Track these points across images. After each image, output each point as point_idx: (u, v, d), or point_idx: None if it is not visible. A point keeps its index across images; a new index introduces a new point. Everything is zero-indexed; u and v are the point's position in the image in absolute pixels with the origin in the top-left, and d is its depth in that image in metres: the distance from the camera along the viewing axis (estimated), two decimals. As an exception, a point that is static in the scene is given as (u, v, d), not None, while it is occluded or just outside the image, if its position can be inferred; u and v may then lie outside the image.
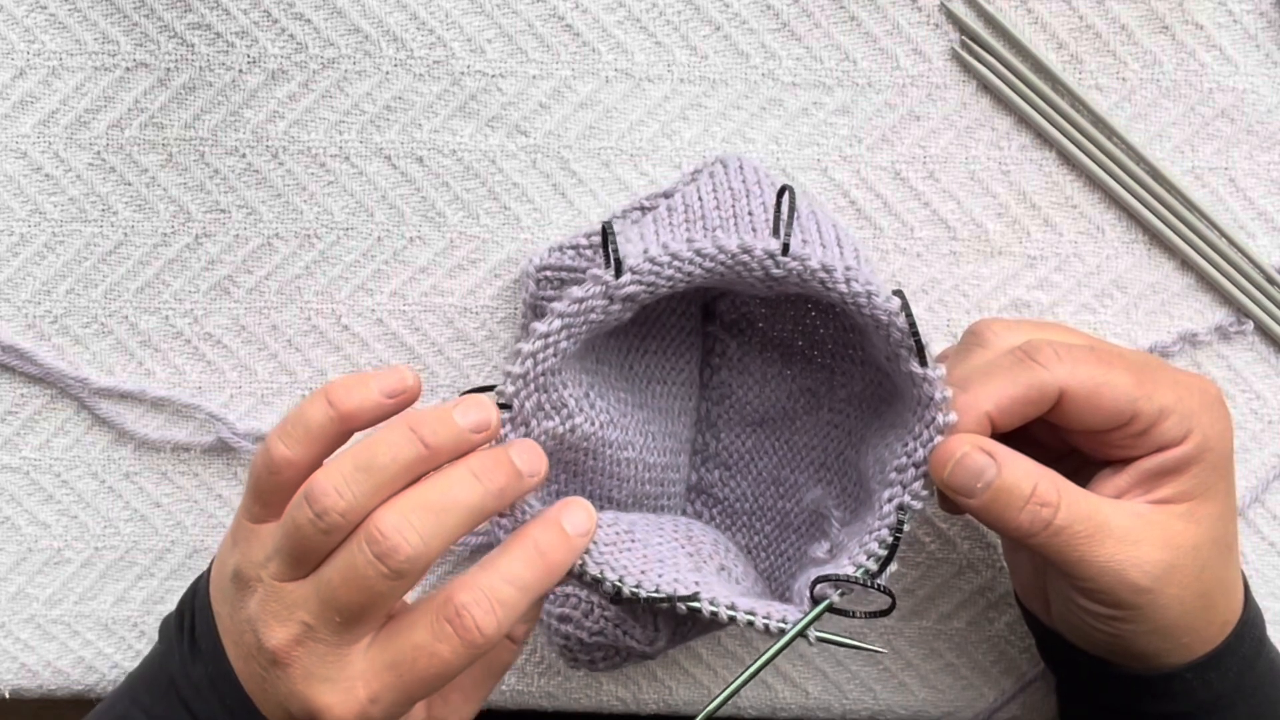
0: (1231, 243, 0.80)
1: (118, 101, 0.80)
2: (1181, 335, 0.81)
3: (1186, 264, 0.81)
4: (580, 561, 0.65)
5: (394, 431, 0.61)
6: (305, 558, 0.61)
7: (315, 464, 0.63)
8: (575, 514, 0.64)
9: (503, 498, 0.62)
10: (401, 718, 0.63)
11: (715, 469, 0.78)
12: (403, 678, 0.61)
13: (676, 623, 0.70)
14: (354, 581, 0.59)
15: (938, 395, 0.64)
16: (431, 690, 0.62)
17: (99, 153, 0.80)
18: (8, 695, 0.83)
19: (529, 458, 0.63)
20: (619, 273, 0.64)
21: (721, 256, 0.64)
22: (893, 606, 0.64)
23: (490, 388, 0.66)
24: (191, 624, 0.66)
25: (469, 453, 0.62)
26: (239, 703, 0.64)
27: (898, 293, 0.64)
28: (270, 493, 0.63)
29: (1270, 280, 0.81)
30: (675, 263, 0.64)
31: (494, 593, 0.61)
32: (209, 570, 0.68)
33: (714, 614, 0.64)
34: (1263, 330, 0.81)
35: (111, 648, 0.83)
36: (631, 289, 0.64)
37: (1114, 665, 0.70)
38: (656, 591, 0.65)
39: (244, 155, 0.80)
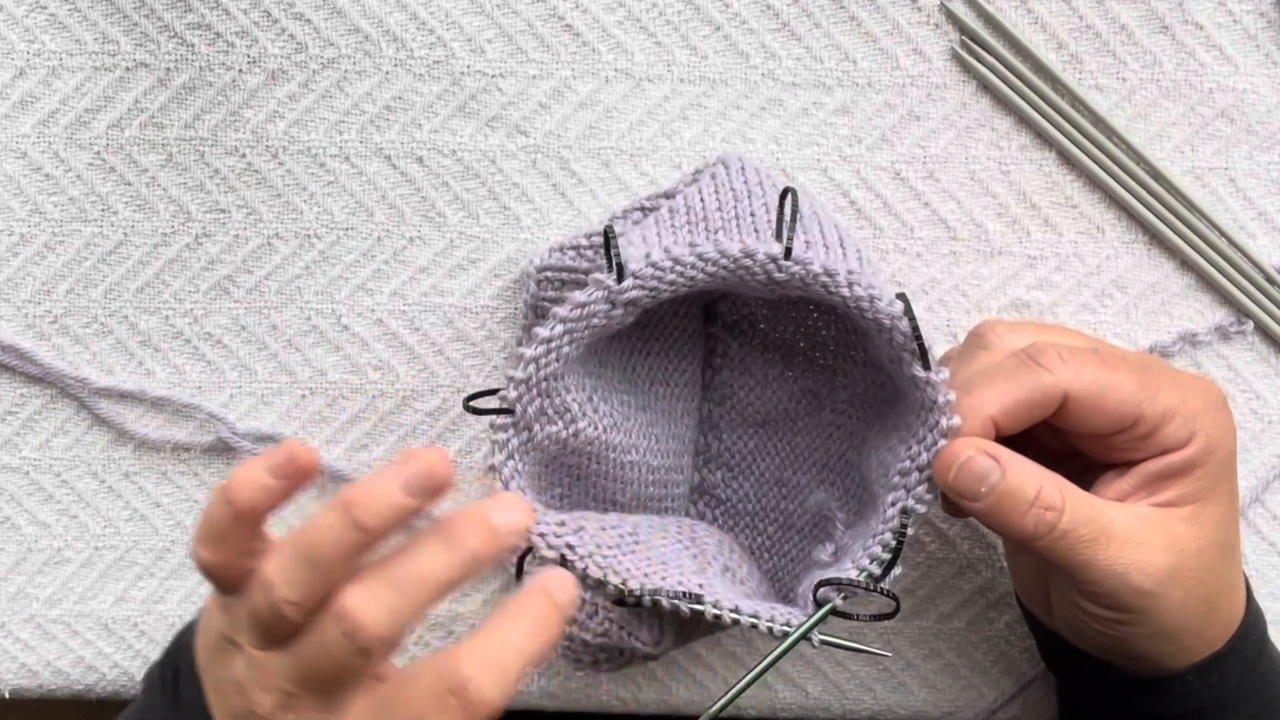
0: (1231, 243, 0.80)
1: (118, 101, 0.80)
2: (1181, 335, 0.81)
3: (1186, 264, 0.81)
4: (583, 564, 0.65)
5: (329, 515, 0.58)
6: (273, 635, 0.59)
7: (245, 553, 0.60)
8: (561, 586, 0.60)
9: (478, 563, 0.58)
10: None
11: (717, 470, 0.78)
12: None
13: (680, 624, 0.70)
14: (327, 656, 0.57)
15: (941, 399, 0.64)
16: None
17: (99, 153, 0.80)
18: (8, 695, 0.83)
19: (510, 515, 0.59)
20: (621, 277, 0.64)
21: (724, 260, 0.64)
22: (897, 610, 0.64)
23: (493, 391, 0.65)
24: (175, 677, 0.65)
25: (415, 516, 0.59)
26: None
27: (901, 296, 0.64)
28: (216, 581, 0.61)
29: (1270, 280, 0.81)
30: (677, 267, 0.64)
31: (501, 664, 0.57)
32: (194, 623, 0.66)
33: (717, 617, 0.64)
34: (1263, 330, 0.81)
35: (111, 648, 0.83)
36: (633, 293, 0.64)
37: (1116, 667, 0.70)
38: (659, 594, 0.65)
39: (244, 155, 0.80)
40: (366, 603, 0.57)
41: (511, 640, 0.58)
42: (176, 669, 0.65)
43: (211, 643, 0.62)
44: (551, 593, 0.59)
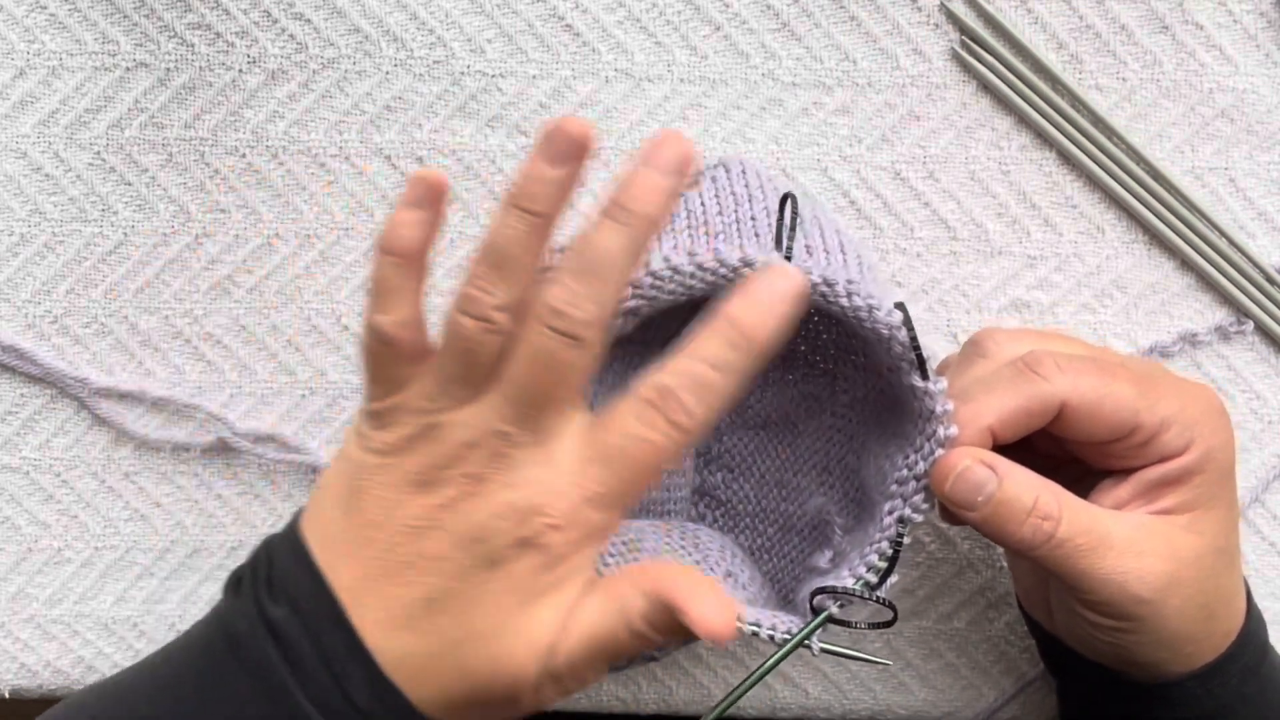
0: (1231, 243, 0.80)
1: (118, 101, 0.80)
2: (1181, 335, 0.81)
3: (1186, 264, 0.81)
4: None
5: (502, 215, 0.58)
6: (476, 372, 0.59)
7: (418, 312, 0.60)
8: (775, 280, 0.59)
9: (655, 224, 0.58)
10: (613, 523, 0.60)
11: (718, 471, 0.78)
12: (616, 471, 0.58)
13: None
14: (540, 360, 0.58)
15: (939, 408, 0.64)
16: (642, 486, 0.59)
17: (99, 153, 0.80)
18: (8, 695, 0.83)
19: (667, 158, 0.58)
20: None
21: (723, 270, 0.64)
22: (894, 619, 0.64)
23: None
24: (268, 573, 0.60)
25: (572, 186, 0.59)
26: (333, 625, 0.58)
27: (899, 306, 0.64)
28: (398, 353, 0.60)
29: (1270, 280, 0.81)
30: (676, 276, 0.64)
31: (697, 375, 0.58)
32: (291, 523, 0.62)
33: None
34: (1263, 330, 0.81)
35: (111, 648, 0.83)
36: (633, 303, 0.64)
37: (1117, 673, 0.70)
38: None
39: (244, 155, 0.80)
40: (563, 290, 0.57)
41: (710, 352, 0.58)
42: (269, 561, 0.61)
43: (358, 472, 0.60)
44: (759, 293, 0.59)
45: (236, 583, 0.62)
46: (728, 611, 0.58)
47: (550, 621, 0.59)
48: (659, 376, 0.58)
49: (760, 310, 0.59)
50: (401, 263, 0.59)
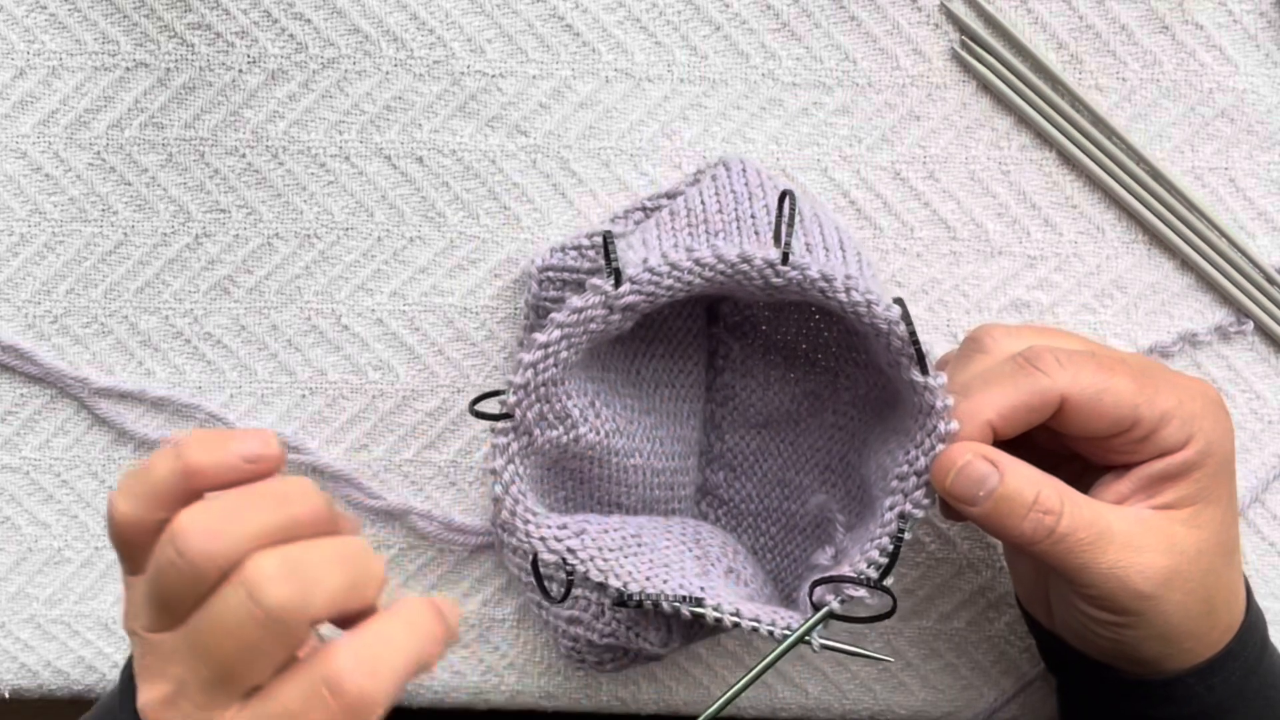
0: (1231, 243, 0.80)
1: (118, 101, 0.80)
2: (1181, 335, 0.81)
3: (1186, 264, 0.81)
4: (584, 568, 0.65)
5: (289, 483, 0.55)
6: (173, 605, 0.54)
7: (161, 523, 0.55)
8: (448, 607, 0.57)
9: (376, 586, 0.55)
10: None
11: (720, 470, 0.78)
12: None
13: (687, 625, 0.70)
14: (222, 627, 0.52)
15: (939, 403, 0.64)
16: None
17: (99, 153, 0.80)
18: (8, 695, 0.83)
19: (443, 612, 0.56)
20: (618, 282, 0.64)
21: (721, 266, 0.64)
22: (894, 609, 0.64)
23: (499, 393, 0.65)
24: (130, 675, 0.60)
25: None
26: None
27: (898, 300, 0.64)
28: (121, 548, 0.57)
29: (1270, 280, 0.81)
30: (674, 272, 0.64)
31: (378, 659, 0.53)
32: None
33: (718, 620, 0.65)
34: (1263, 330, 0.81)
35: (111, 648, 0.83)
36: (631, 299, 0.64)
37: (1116, 670, 0.70)
38: (660, 598, 0.65)
39: (244, 155, 0.80)
40: (279, 564, 0.52)
41: (392, 636, 0.54)
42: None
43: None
44: (438, 604, 0.56)
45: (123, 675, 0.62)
46: None
47: None
48: (335, 653, 0.53)
49: (443, 624, 0.56)
50: (182, 475, 0.55)
